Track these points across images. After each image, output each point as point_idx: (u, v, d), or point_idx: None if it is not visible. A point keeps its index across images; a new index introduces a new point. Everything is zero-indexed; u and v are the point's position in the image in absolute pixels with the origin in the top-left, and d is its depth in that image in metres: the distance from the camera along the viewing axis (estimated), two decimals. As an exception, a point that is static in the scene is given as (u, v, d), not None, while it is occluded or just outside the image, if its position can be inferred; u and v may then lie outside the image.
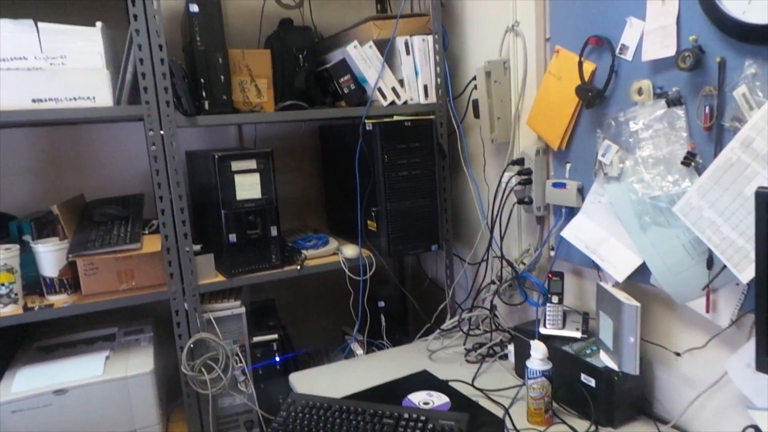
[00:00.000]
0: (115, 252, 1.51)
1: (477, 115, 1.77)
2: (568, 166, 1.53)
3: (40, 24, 1.41)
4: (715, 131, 1.12)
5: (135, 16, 1.48)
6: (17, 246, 1.49)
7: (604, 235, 1.41)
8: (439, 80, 1.87)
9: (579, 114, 1.46)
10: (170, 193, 1.58)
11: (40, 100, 1.44)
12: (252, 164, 1.68)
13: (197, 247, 1.68)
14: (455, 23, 1.97)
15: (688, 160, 1.16)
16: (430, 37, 1.84)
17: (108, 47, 1.53)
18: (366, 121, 1.75)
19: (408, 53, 1.83)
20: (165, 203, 1.58)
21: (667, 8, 1.17)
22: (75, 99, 1.47)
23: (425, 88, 1.86)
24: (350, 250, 1.86)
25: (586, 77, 1.39)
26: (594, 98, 1.36)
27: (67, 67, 1.45)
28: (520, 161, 1.65)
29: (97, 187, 1.97)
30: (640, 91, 1.25)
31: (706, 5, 1.07)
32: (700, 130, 1.15)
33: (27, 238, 1.60)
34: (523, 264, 1.74)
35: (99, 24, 1.47)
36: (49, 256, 1.53)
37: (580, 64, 1.39)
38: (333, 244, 1.92)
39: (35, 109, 1.43)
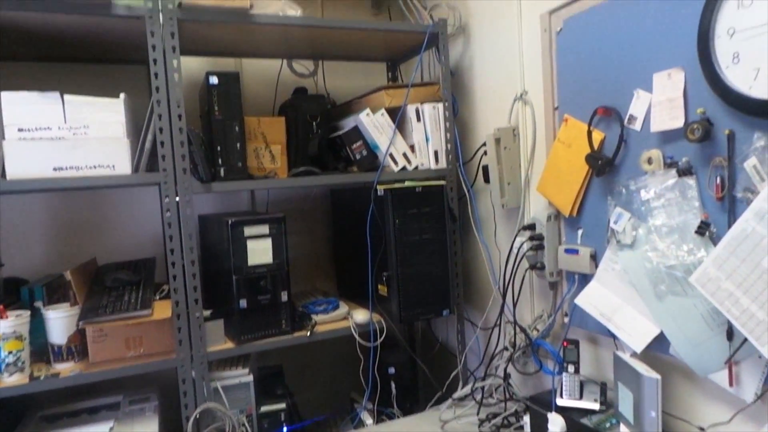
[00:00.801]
0: (125, 318, 1.50)
1: (487, 180, 1.79)
2: (579, 232, 1.53)
3: (66, 96, 1.47)
4: (727, 201, 1.12)
5: (157, 88, 1.54)
6: (28, 312, 1.49)
7: (619, 303, 1.39)
8: (449, 146, 1.91)
9: (589, 181, 1.47)
10: (183, 258, 1.59)
11: (61, 168, 1.47)
12: (264, 229, 1.70)
13: (207, 313, 1.67)
14: (464, 91, 2.03)
15: (702, 229, 1.16)
16: (440, 105, 1.89)
17: (129, 116, 1.58)
18: (378, 186, 1.77)
19: (419, 120, 1.87)
20: (177, 269, 1.58)
21: (674, 82, 1.20)
22: (95, 167, 1.50)
23: (436, 153, 1.90)
24: (360, 315, 1.84)
25: (596, 146, 1.41)
26: (604, 167, 1.38)
27: (90, 137, 1.49)
28: (531, 226, 1.65)
29: (110, 251, 1.99)
30: (650, 161, 1.26)
31: (712, 81, 1.10)
32: (712, 200, 1.15)
33: (38, 304, 1.60)
34: (537, 330, 1.71)
35: (122, 95, 1.53)
36: (59, 322, 1.52)
37: (589, 133, 1.42)
38: (343, 308, 1.90)
39: (56, 177, 1.46)
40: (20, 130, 1.44)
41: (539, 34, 1.60)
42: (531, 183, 1.73)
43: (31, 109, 1.45)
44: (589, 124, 1.42)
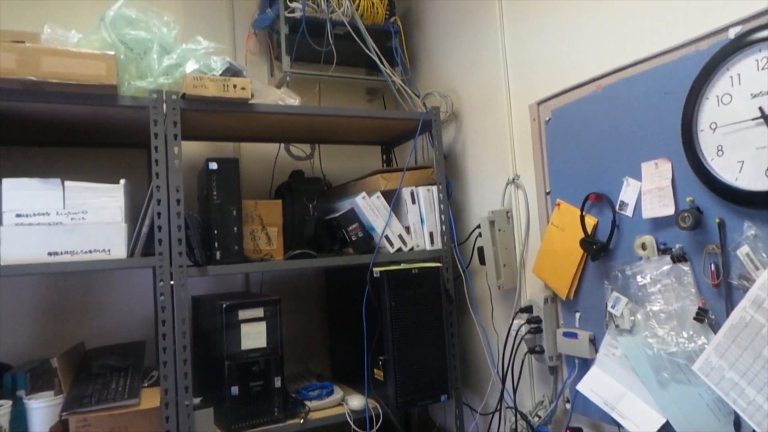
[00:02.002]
0: (111, 409, 1.44)
1: (483, 261, 1.80)
2: (577, 315, 1.52)
3: (66, 183, 1.49)
4: (723, 288, 1.13)
5: (157, 174, 1.56)
6: (9, 403, 1.43)
7: (622, 390, 1.36)
8: (444, 227, 1.93)
9: (585, 264, 1.48)
10: (174, 343, 1.55)
11: (56, 253, 1.47)
12: (259, 312, 1.67)
13: (197, 401, 1.61)
14: (458, 174, 2.08)
15: (701, 316, 1.16)
16: (434, 188, 1.93)
17: (128, 200, 1.59)
18: (374, 268, 1.77)
19: (414, 202, 1.91)
20: (168, 354, 1.54)
21: (661, 171, 1.24)
22: (91, 251, 1.50)
23: (431, 235, 1.92)
24: (356, 401, 1.78)
25: (589, 230, 1.44)
26: (599, 251, 1.39)
27: (87, 222, 1.50)
28: (528, 309, 1.64)
29: (99, 333, 1.94)
30: (643, 246, 1.28)
31: (699, 171, 1.14)
32: (708, 287, 1.16)
33: (21, 392, 1.53)
34: (539, 417, 1.65)
35: (122, 182, 1.55)
36: (42, 413, 1.45)
37: (582, 218, 1.45)
38: (338, 393, 1.84)
39: (51, 262, 1.45)
40: (18, 215, 1.44)
41: (529, 122, 1.67)
42: (526, 265, 1.74)
43: (31, 195, 1.46)
44: (582, 210, 1.45)
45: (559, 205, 1.56)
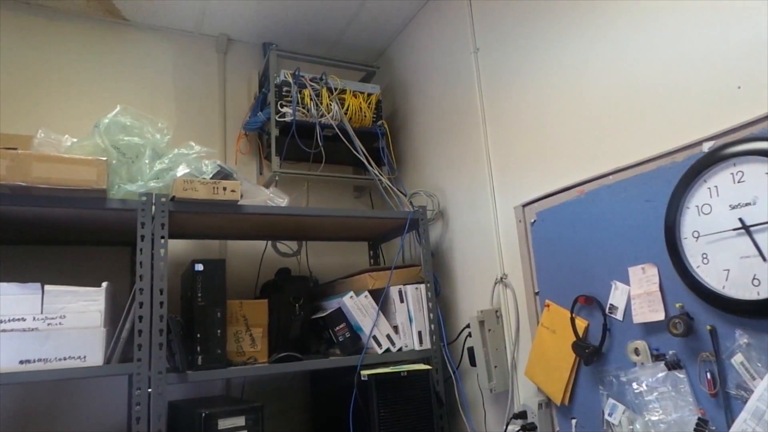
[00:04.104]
0: None
1: (473, 363, 1.75)
2: (573, 422, 1.46)
3: (46, 287, 1.45)
4: (722, 398, 1.10)
5: (141, 276, 1.54)
6: None
7: (626, 507, 1.28)
8: (432, 326, 1.90)
9: (578, 368, 1.45)
10: (148, 459, 1.45)
11: (28, 361, 1.40)
12: (240, 421, 1.58)
13: None
14: (445, 272, 2.08)
15: (701, 427, 1.12)
16: (423, 286, 1.92)
17: (109, 303, 1.55)
18: (361, 371, 1.71)
19: (402, 301, 1.89)
20: (141, 472, 1.43)
21: (648, 276, 1.25)
22: (65, 359, 1.43)
23: (420, 334, 1.88)
24: None
25: (580, 333, 1.42)
26: (591, 356, 1.37)
27: (64, 327, 1.45)
28: (522, 414, 1.58)
29: (67, 445, 1.81)
30: (636, 352, 1.26)
31: (686, 278, 1.15)
32: (706, 395, 1.13)
33: None
34: None
35: (105, 284, 1.52)
36: None
37: (573, 320, 1.43)
38: None
39: (20, 371, 1.38)
40: (-7, 321, 1.39)
41: (515, 222, 1.70)
42: (518, 366, 1.69)
43: (8, 300, 1.41)
44: (572, 312, 1.44)
45: (548, 306, 1.55)
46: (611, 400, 1.33)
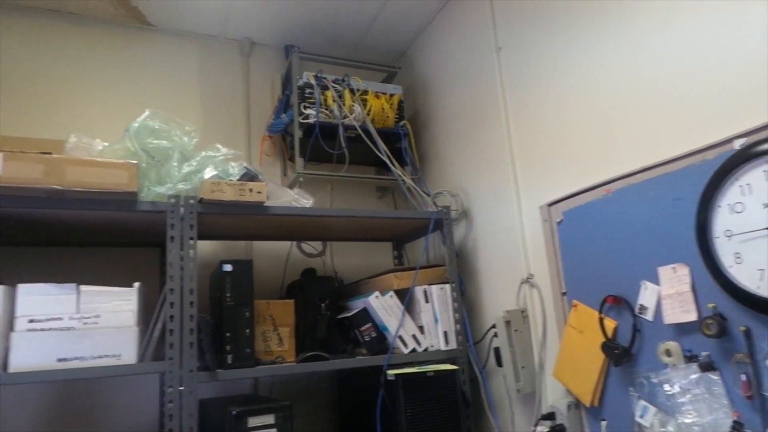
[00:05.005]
0: None
1: (500, 363, 1.75)
2: (603, 424, 1.45)
3: (81, 287, 1.49)
4: (757, 400, 1.09)
5: (171, 277, 1.57)
6: None
7: None
8: (458, 326, 1.90)
9: (608, 369, 1.44)
10: (181, 456, 1.48)
11: (65, 359, 1.44)
12: (270, 419, 1.60)
13: None
14: (470, 272, 2.08)
15: (736, 430, 1.11)
16: (447, 286, 1.92)
17: (140, 303, 1.58)
18: (388, 371, 1.72)
19: (427, 301, 1.89)
20: (173, 469, 1.46)
21: (679, 276, 1.23)
22: (101, 357, 1.47)
23: (445, 334, 1.88)
24: None
25: (609, 334, 1.41)
26: (621, 356, 1.36)
27: (99, 326, 1.48)
28: (551, 416, 1.57)
29: (100, 442, 1.86)
30: (668, 353, 1.25)
31: (719, 279, 1.13)
32: (741, 398, 1.11)
33: None
34: None
35: (137, 285, 1.55)
36: None
37: (601, 320, 1.42)
38: None
39: (59, 368, 1.42)
40: (31, 321, 1.43)
41: (540, 222, 1.69)
42: (545, 367, 1.68)
43: (46, 300, 1.46)
44: (600, 312, 1.43)
45: (575, 306, 1.54)
46: (642, 402, 1.31)
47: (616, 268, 1.42)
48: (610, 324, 1.42)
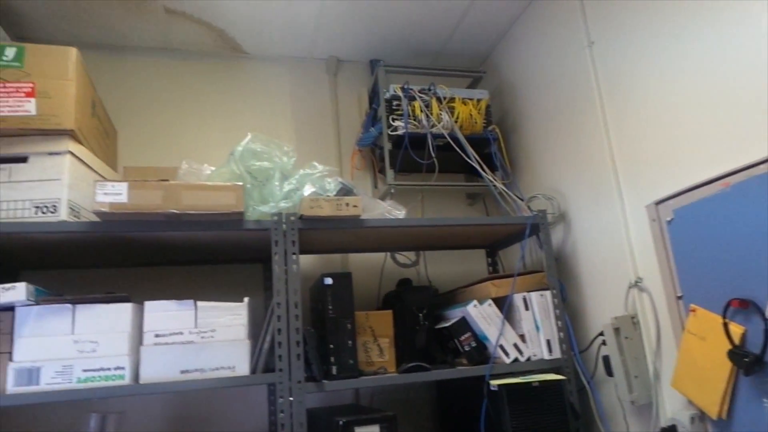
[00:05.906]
0: None
1: (610, 372, 1.66)
2: (734, 438, 1.33)
3: (198, 303, 1.60)
4: None
5: (278, 291, 1.64)
6: None
7: None
8: (562, 334, 1.83)
9: (736, 379, 1.32)
10: (294, 464, 1.53)
11: (187, 371, 1.55)
12: (375, 429, 1.63)
13: None
14: (570, 277, 2.00)
15: None
16: (548, 293, 1.86)
17: (249, 317, 1.67)
18: (490, 381, 1.69)
19: (527, 309, 1.84)
20: (288, 476, 1.52)
21: (819, 275, 1.11)
22: (217, 369, 1.56)
23: (548, 342, 1.82)
24: None
25: (736, 340, 1.29)
26: (752, 365, 1.24)
27: (215, 340, 1.58)
28: (672, 429, 1.47)
29: (217, 449, 1.97)
30: (810, 361, 1.13)
31: None
32: None
33: None
34: None
35: (246, 300, 1.64)
36: None
37: (726, 326, 1.31)
38: None
39: (182, 380, 1.53)
40: (157, 335, 1.56)
41: (647, 222, 1.60)
42: (662, 377, 1.58)
43: (168, 316, 1.58)
44: (724, 317, 1.32)
45: (694, 311, 1.43)
46: (780, 415, 1.19)
47: (740, 268, 1.30)
48: (736, 330, 1.30)
